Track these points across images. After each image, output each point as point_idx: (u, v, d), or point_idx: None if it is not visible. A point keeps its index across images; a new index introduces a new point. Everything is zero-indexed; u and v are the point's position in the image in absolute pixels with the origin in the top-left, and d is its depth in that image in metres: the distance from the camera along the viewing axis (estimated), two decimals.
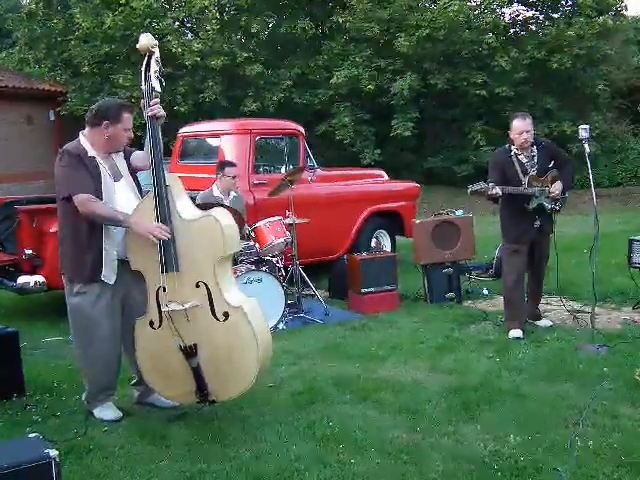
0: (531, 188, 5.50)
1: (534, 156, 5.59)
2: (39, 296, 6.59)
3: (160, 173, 3.76)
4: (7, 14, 21.52)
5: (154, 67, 3.84)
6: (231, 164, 6.52)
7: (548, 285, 7.34)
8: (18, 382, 4.39)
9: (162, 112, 3.86)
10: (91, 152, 3.86)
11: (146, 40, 3.86)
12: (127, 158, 4.06)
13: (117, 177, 3.96)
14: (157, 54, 3.87)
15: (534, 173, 5.54)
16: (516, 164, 5.56)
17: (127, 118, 3.92)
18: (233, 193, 6.53)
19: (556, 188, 5.56)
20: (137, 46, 3.91)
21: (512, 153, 5.58)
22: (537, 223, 5.61)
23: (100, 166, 3.86)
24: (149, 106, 3.83)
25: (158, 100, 3.86)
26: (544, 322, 5.97)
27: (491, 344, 5.41)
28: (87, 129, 3.95)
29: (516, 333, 5.61)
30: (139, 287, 3.96)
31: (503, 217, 5.81)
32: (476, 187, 5.35)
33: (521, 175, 5.52)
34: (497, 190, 5.29)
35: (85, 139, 3.92)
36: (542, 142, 5.78)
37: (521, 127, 5.50)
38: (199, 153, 8.51)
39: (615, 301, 6.75)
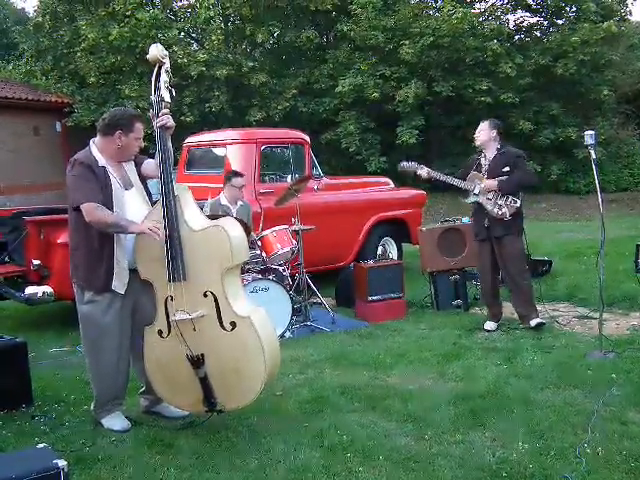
0: (467, 183, 5.88)
1: (490, 159, 5.93)
2: (47, 307, 6.62)
3: (168, 183, 3.77)
4: (14, 26, 21.66)
5: (164, 77, 3.85)
6: (238, 174, 6.53)
7: (557, 291, 7.36)
8: (26, 392, 4.40)
9: (171, 122, 3.86)
10: (101, 162, 3.88)
11: (156, 51, 3.86)
12: (138, 166, 4.08)
13: (127, 186, 3.97)
14: (167, 65, 3.88)
15: (482, 174, 5.88)
16: (475, 163, 5.98)
17: (139, 127, 3.96)
18: (239, 202, 6.54)
19: (487, 182, 5.84)
20: (147, 57, 3.91)
21: (481, 154, 6.02)
22: (485, 222, 5.87)
23: (110, 176, 3.88)
24: (158, 116, 3.84)
25: (167, 110, 3.86)
26: (534, 321, 5.90)
27: (499, 351, 5.40)
28: (98, 137, 3.97)
29: (487, 325, 6.06)
30: (148, 296, 3.97)
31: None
32: (405, 165, 5.98)
33: (472, 172, 5.96)
34: (423, 172, 5.85)
35: (96, 148, 3.94)
36: (504, 149, 5.96)
37: (476, 132, 5.99)
38: (205, 163, 8.53)
39: (623, 307, 6.71)
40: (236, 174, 6.54)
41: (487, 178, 5.85)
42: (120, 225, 3.78)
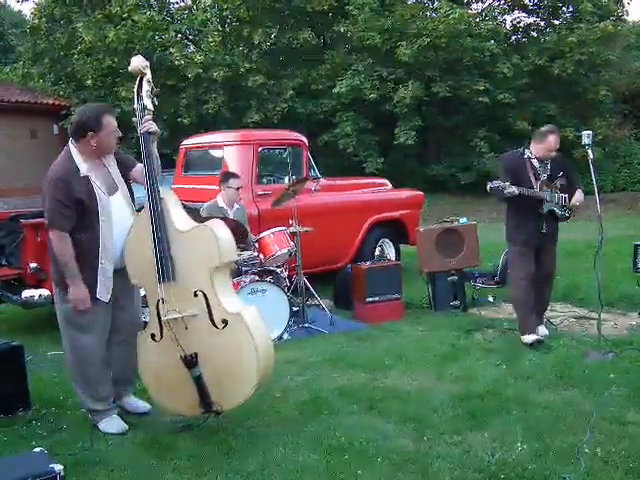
0: (544, 192, 5.52)
1: (547, 164, 5.60)
2: (44, 310, 6.58)
3: (155, 187, 3.84)
4: (11, 29, 21.68)
5: (146, 87, 3.95)
6: (235, 176, 6.52)
7: (555, 291, 7.33)
8: (23, 396, 4.38)
9: (154, 127, 3.91)
10: (83, 170, 3.83)
11: (137, 62, 3.98)
12: (125, 167, 4.08)
13: (112, 190, 3.96)
14: (149, 75, 3.98)
15: (545, 178, 5.56)
16: (528, 168, 5.56)
17: (109, 121, 3.90)
18: (236, 205, 6.54)
19: (577, 199, 5.64)
20: (129, 68, 4.00)
21: (526, 157, 5.60)
22: (544, 228, 5.58)
23: (93, 184, 3.84)
24: (142, 123, 3.89)
25: (150, 117, 3.91)
26: (542, 330, 5.77)
27: (497, 351, 5.39)
28: (74, 142, 3.92)
29: (531, 338, 5.52)
30: (129, 294, 4.08)
31: (510, 220, 5.75)
32: (495, 184, 5.31)
33: (533, 179, 5.52)
34: (513, 189, 5.29)
35: (76, 151, 3.89)
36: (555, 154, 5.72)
37: (555, 142, 5.53)
38: (202, 164, 8.52)
39: (621, 307, 6.72)
40: (232, 175, 6.53)
41: (546, 183, 5.59)
42: (68, 271, 3.80)
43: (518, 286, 5.64)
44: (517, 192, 5.30)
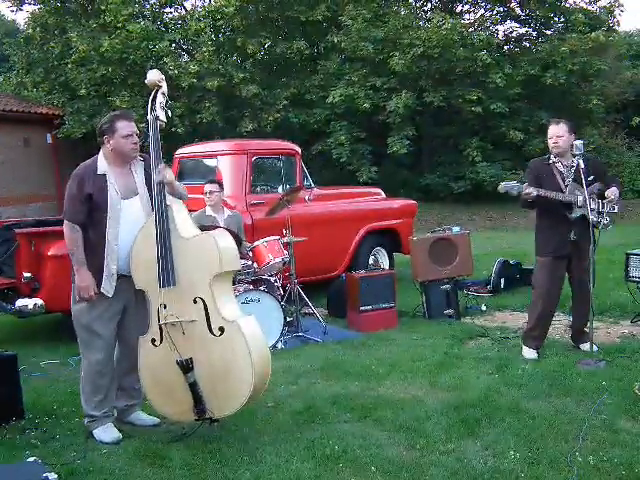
0: (573, 196, 5.24)
1: (573, 167, 5.32)
2: (37, 319, 6.59)
3: (162, 195, 3.94)
4: (5, 38, 21.70)
5: (160, 99, 4.08)
6: (210, 182, 6.62)
7: None
8: (17, 405, 4.36)
9: (169, 177, 3.99)
10: (102, 169, 4.02)
11: (153, 76, 4.12)
12: (147, 178, 4.14)
13: (129, 195, 4.06)
14: (164, 88, 4.11)
15: (572, 182, 5.30)
16: (555, 172, 5.31)
17: (122, 126, 4.03)
18: (228, 212, 6.56)
19: (612, 192, 5.30)
20: (146, 82, 4.14)
21: (550, 161, 5.36)
22: (572, 236, 5.29)
23: (109, 183, 3.99)
24: (156, 169, 3.97)
25: (163, 165, 4.00)
26: (587, 346, 5.42)
27: (490, 360, 5.40)
28: (101, 147, 4.14)
29: (532, 354, 5.42)
30: (137, 306, 4.09)
31: (538, 228, 5.48)
32: (508, 185, 5.06)
33: (561, 182, 5.27)
34: (531, 190, 5.01)
35: (102, 155, 4.10)
36: (587, 156, 5.49)
37: (552, 132, 5.36)
38: (196, 174, 8.51)
39: (613, 315, 6.76)
40: (207, 182, 6.61)
41: (577, 187, 5.28)
42: (74, 259, 3.97)
43: (542, 299, 5.44)
44: (535, 193, 5.03)
